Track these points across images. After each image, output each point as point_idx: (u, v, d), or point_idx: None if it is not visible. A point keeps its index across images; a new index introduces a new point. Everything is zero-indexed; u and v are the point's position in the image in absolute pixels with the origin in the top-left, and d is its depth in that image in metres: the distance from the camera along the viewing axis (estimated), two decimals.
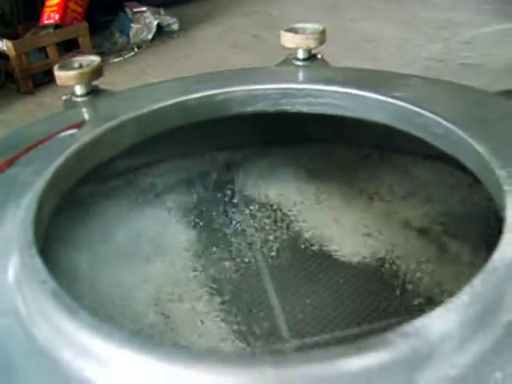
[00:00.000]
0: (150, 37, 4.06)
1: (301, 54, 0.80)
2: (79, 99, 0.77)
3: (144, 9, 4.08)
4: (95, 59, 0.77)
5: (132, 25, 3.98)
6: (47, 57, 3.43)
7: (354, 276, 0.70)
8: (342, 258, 0.76)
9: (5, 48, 3.36)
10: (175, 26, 4.32)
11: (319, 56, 0.82)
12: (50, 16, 3.49)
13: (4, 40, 3.33)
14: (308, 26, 0.83)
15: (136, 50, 3.97)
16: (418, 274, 0.66)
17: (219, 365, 0.28)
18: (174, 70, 3.72)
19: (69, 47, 3.56)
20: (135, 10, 4.03)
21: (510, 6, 3.87)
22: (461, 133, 0.44)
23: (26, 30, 3.59)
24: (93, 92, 0.78)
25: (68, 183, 0.48)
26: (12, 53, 3.28)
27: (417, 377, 0.30)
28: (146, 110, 0.55)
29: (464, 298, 0.31)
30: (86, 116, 0.70)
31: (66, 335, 0.33)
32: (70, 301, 0.33)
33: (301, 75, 0.71)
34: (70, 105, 0.78)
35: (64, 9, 3.49)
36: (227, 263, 0.75)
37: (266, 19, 4.77)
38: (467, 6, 4.18)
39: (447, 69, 3.73)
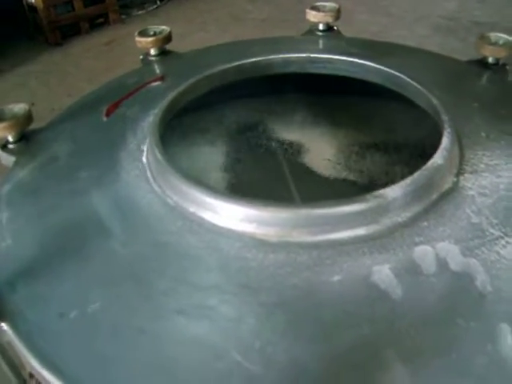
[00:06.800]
0: None
1: (321, 27, 1.07)
2: (153, 58, 1.05)
3: None
4: (166, 28, 1.04)
5: None
6: (74, 10, 3.60)
7: None
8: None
9: (33, 0, 3.50)
10: None
11: (335, 28, 1.09)
12: None
13: None
14: (327, 4, 1.09)
15: (158, 2, 4.14)
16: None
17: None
18: (196, 24, 3.90)
19: (94, 1, 3.70)
20: None
21: None
22: (423, 90, 0.73)
23: None
24: (163, 53, 1.06)
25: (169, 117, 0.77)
26: (40, 5, 3.44)
27: (379, 219, 0.59)
28: (216, 69, 0.83)
29: (407, 181, 0.61)
30: (164, 71, 0.98)
31: (188, 198, 0.63)
32: (190, 176, 0.63)
33: (320, 45, 0.99)
34: (146, 63, 1.06)
35: None
36: None
37: None
38: None
39: (459, 26, 3.89)
